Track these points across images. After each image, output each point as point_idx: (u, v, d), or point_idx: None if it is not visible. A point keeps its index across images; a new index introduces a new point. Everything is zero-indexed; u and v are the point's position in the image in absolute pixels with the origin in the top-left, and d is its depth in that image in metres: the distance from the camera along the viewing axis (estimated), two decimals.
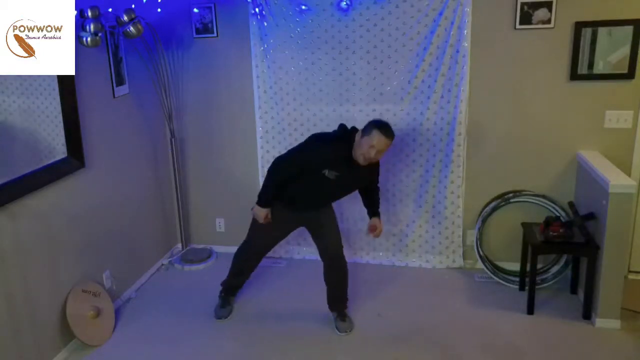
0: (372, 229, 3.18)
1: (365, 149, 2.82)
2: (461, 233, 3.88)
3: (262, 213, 3.07)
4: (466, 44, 3.52)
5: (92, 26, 2.95)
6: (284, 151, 3.38)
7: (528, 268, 3.40)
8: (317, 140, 3.01)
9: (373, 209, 3.23)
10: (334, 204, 3.26)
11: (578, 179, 3.57)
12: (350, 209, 3.90)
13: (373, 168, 3.08)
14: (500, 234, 3.81)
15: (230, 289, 3.48)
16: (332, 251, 3.17)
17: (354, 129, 2.96)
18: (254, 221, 3.18)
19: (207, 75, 4.00)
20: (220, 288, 3.48)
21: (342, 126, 3.03)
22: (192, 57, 3.98)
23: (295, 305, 3.51)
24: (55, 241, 3.00)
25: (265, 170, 4.05)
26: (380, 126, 2.84)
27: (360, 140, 2.86)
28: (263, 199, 3.06)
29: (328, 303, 3.29)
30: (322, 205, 3.17)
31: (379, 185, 3.27)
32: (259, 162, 4.08)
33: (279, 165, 3.00)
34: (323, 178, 2.92)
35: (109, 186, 3.47)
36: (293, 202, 3.08)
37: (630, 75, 3.37)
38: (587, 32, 3.36)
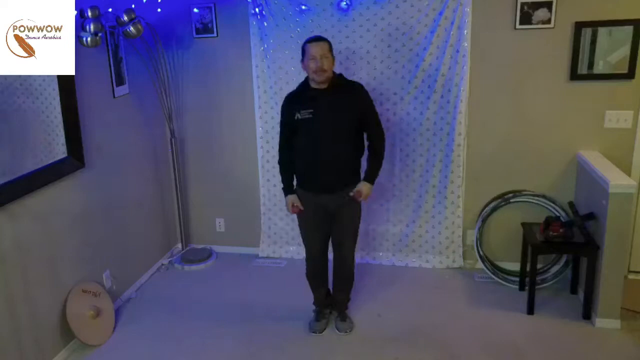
0: (357, 194, 2.99)
1: (311, 64, 2.84)
2: (461, 233, 3.88)
3: (288, 200, 3.07)
4: (466, 44, 3.52)
5: (92, 26, 2.96)
6: None
7: (528, 268, 3.40)
8: (286, 96, 3.07)
9: (367, 172, 3.04)
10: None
11: (578, 179, 3.57)
12: None
13: (354, 91, 2.96)
14: (500, 234, 3.81)
15: (319, 301, 3.33)
16: (343, 253, 3.13)
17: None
18: (299, 224, 3.20)
19: (207, 75, 4.00)
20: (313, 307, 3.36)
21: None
22: (192, 57, 3.98)
23: (295, 305, 3.51)
24: (55, 241, 3.00)
25: (266, 170, 4.08)
26: (307, 39, 2.91)
27: (303, 64, 2.92)
28: (284, 186, 3.09)
29: (330, 301, 3.29)
30: (340, 168, 2.96)
31: (382, 135, 3.04)
32: (259, 162, 4.08)
33: (279, 144, 3.10)
34: (303, 124, 2.89)
35: (109, 186, 3.47)
36: (306, 177, 3.02)
37: (630, 75, 3.37)
38: (587, 32, 3.36)
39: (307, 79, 2.97)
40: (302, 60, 2.92)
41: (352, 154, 2.99)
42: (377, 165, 3.05)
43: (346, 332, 3.19)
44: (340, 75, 3.02)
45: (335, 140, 2.91)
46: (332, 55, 2.91)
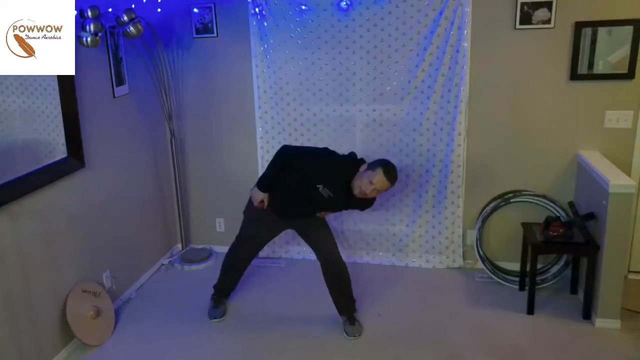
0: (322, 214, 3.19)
1: (365, 183, 2.83)
2: (461, 233, 3.88)
3: (259, 196, 3.05)
4: (466, 44, 3.52)
5: (92, 26, 2.95)
6: None
7: (528, 268, 3.40)
8: (327, 152, 3.03)
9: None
10: None
11: (578, 179, 3.57)
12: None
13: (367, 203, 3.07)
14: (500, 234, 3.81)
15: (223, 291, 3.48)
16: (328, 257, 3.15)
17: (362, 160, 2.97)
18: (244, 220, 3.25)
19: (207, 75, 4.00)
20: (213, 291, 3.49)
21: (352, 153, 3.06)
22: (192, 57, 3.98)
23: (295, 305, 3.51)
24: (55, 241, 3.00)
25: None
26: (386, 167, 2.85)
27: (363, 172, 2.87)
28: (264, 183, 3.05)
29: (336, 308, 3.26)
30: (308, 216, 3.16)
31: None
32: (259, 162, 4.08)
33: (287, 150, 3.06)
34: (316, 193, 2.93)
35: (109, 186, 3.47)
36: (282, 208, 3.10)
37: (630, 75, 3.37)
38: (587, 32, 3.36)
39: (354, 175, 2.91)
40: (367, 169, 2.87)
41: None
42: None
43: (355, 336, 3.16)
44: None
45: (317, 210, 3.12)
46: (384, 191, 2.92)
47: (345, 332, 3.19)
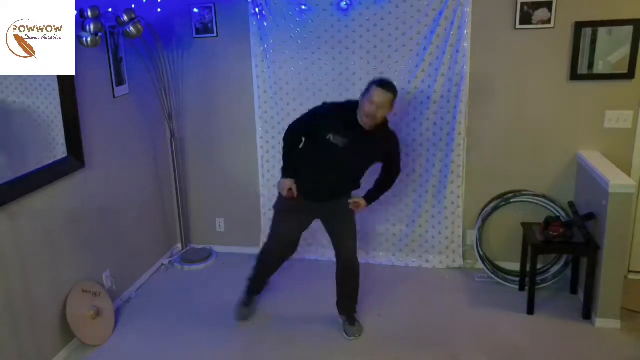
0: (355, 205, 3.06)
1: (366, 106, 2.77)
2: (461, 233, 3.88)
3: (285, 184, 3.02)
4: (466, 44, 3.52)
5: (92, 26, 2.95)
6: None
7: (528, 268, 3.40)
8: (324, 104, 3.03)
9: (371, 193, 3.11)
10: None
11: (578, 179, 3.57)
12: None
13: (388, 142, 2.98)
14: (500, 234, 3.81)
15: (254, 288, 3.41)
16: (346, 255, 3.12)
17: None
18: (274, 216, 3.20)
19: (207, 75, 4.00)
20: (244, 292, 3.41)
21: (350, 99, 3.04)
22: (192, 57, 3.98)
23: (295, 305, 3.51)
24: (55, 241, 3.00)
25: (266, 170, 4.08)
26: (378, 82, 2.81)
27: (361, 100, 2.84)
28: (284, 169, 3.07)
29: (337, 306, 3.26)
30: (338, 191, 3.05)
31: (397, 174, 3.13)
32: (259, 162, 4.08)
33: (291, 127, 3.05)
34: (330, 145, 2.85)
35: (109, 186, 3.47)
36: (311, 188, 3.02)
37: (630, 75, 3.37)
38: (587, 32, 3.36)
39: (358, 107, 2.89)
40: (363, 95, 2.84)
41: (354, 181, 3.08)
42: (382, 193, 3.14)
43: (355, 336, 3.16)
44: (385, 119, 2.94)
45: (343, 174, 3.00)
46: (393, 108, 2.86)
47: (345, 333, 3.19)
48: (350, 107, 2.91)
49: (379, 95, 2.76)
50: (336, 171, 2.96)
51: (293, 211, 3.11)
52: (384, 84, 2.79)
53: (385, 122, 2.95)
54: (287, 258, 3.39)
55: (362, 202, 3.07)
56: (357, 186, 3.11)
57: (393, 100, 2.82)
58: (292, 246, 3.36)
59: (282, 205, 3.14)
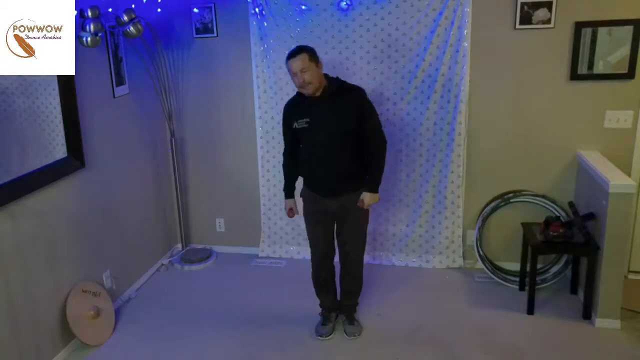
0: (361, 203, 2.97)
1: (295, 81, 2.85)
2: (461, 233, 3.88)
3: (286, 204, 3.18)
4: (466, 44, 3.52)
5: (92, 26, 2.96)
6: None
7: (528, 268, 3.40)
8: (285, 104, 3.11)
9: (367, 181, 2.98)
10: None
11: (578, 179, 3.57)
12: None
13: (350, 97, 2.88)
14: (500, 234, 3.81)
15: (324, 306, 3.29)
16: (350, 254, 3.11)
17: None
18: (305, 226, 3.19)
19: (207, 75, 4.00)
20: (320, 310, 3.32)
21: None
22: (192, 57, 3.98)
23: (295, 305, 3.51)
24: (55, 241, 3.00)
25: (266, 170, 4.08)
26: (287, 56, 2.84)
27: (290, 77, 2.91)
28: (284, 189, 3.18)
29: (338, 306, 3.27)
30: (341, 175, 2.94)
31: (381, 143, 2.94)
32: (259, 162, 4.08)
33: (284, 148, 3.17)
34: (301, 131, 2.92)
35: (108, 186, 3.47)
36: (316, 179, 3.01)
37: (630, 75, 3.37)
38: (587, 32, 3.36)
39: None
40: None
41: (351, 158, 2.93)
42: (375, 172, 2.96)
43: (354, 335, 3.16)
44: (338, 80, 2.95)
45: (333, 146, 2.89)
46: (316, 63, 2.82)
47: (345, 332, 3.19)
48: (297, 92, 2.99)
49: (292, 64, 2.79)
50: (320, 150, 2.92)
51: (314, 214, 3.09)
52: (291, 54, 2.83)
53: (339, 81, 2.95)
54: (332, 258, 3.21)
55: (366, 196, 2.96)
56: (356, 166, 2.95)
57: (310, 58, 2.80)
58: (327, 247, 3.16)
59: (306, 213, 3.14)
